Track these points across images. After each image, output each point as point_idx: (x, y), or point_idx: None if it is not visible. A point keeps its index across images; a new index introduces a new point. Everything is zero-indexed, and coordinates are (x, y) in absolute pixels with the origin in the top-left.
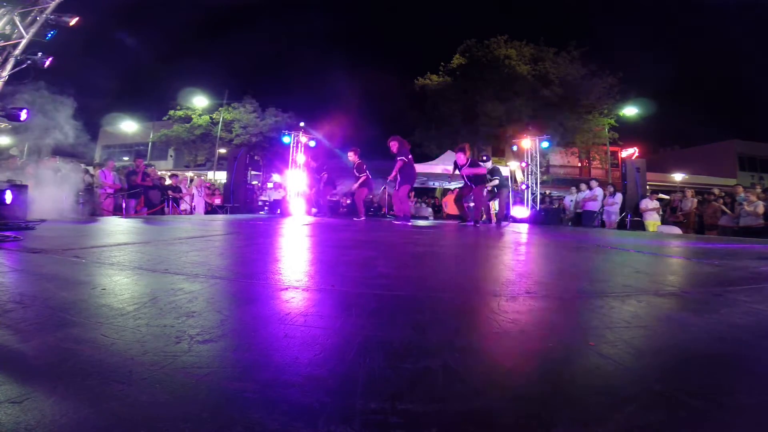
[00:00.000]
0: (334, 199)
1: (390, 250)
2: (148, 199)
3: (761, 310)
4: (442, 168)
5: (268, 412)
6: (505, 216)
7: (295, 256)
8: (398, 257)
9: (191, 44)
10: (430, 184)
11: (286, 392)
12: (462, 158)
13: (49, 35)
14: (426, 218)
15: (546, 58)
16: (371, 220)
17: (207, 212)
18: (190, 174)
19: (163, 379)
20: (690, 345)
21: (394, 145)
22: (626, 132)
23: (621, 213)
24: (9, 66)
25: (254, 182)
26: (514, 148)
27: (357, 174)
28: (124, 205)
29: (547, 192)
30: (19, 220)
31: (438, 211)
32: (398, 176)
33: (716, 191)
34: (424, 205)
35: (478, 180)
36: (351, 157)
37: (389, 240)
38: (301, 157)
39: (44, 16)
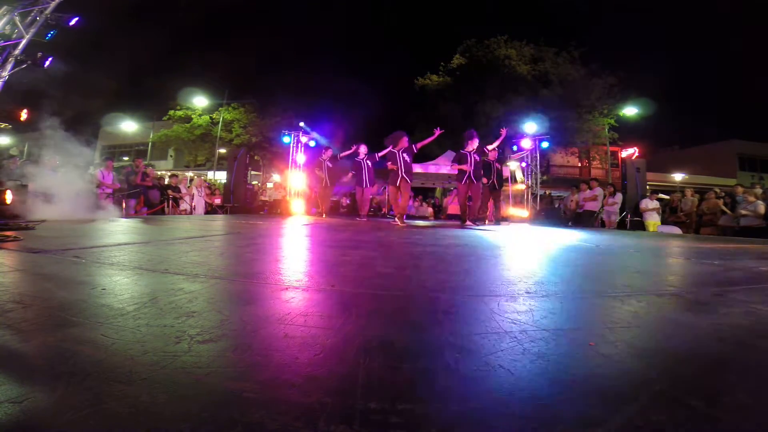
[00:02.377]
0: (334, 198)
1: (390, 250)
2: (148, 199)
3: (761, 310)
4: (441, 168)
5: (268, 412)
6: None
7: (295, 256)
8: (398, 257)
9: (191, 44)
10: (430, 184)
11: (286, 392)
12: (475, 142)
13: (49, 35)
14: (426, 218)
15: (546, 58)
16: (370, 220)
17: (207, 212)
18: (190, 174)
19: (163, 379)
20: (690, 345)
21: (405, 141)
22: (626, 132)
23: (621, 213)
24: (9, 66)
25: (254, 182)
26: (514, 148)
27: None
28: (123, 205)
29: (547, 192)
30: (19, 220)
31: (438, 211)
32: (408, 176)
33: (717, 191)
34: (424, 205)
35: (483, 168)
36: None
37: (389, 240)
38: (301, 157)
39: (44, 16)
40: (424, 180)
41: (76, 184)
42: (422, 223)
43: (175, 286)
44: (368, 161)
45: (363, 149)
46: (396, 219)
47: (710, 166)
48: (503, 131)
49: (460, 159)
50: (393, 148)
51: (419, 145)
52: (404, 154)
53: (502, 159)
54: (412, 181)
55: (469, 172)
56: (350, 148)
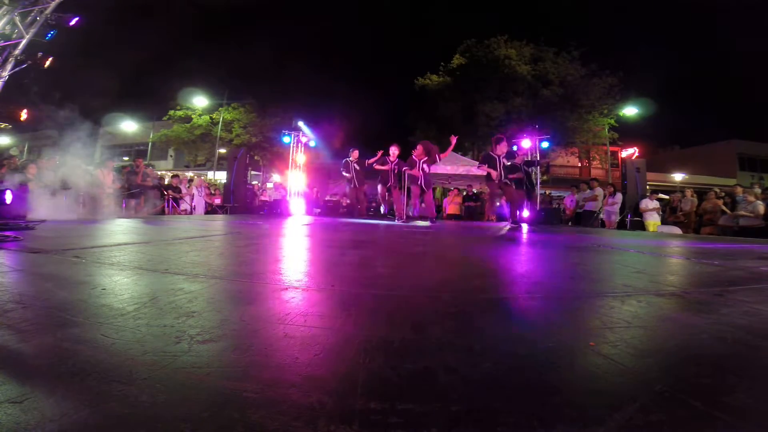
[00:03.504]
0: (335, 198)
1: (390, 250)
2: (148, 199)
3: (761, 310)
4: (442, 168)
5: (268, 412)
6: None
7: (294, 256)
8: (398, 257)
9: (191, 44)
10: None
11: (286, 392)
12: (503, 147)
13: (49, 35)
14: (426, 218)
15: (546, 58)
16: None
17: (207, 212)
18: (190, 174)
19: (163, 379)
20: (690, 345)
21: (419, 148)
22: (626, 132)
23: (621, 213)
24: (9, 66)
25: (254, 182)
26: (514, 147)
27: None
28: (124, 205)
29: (547, 192)
30: (19, 220)
31: (438, 212)
32: (426, 186)
33: (716, 191)
34: (423, 205)
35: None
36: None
37: (389, 240)
38: (301, 157)
39: (44, 16)
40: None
41: (75, 184)
42: (422, 223)
43: (175, 286)
44: (424, 164)
45: (393, 149)
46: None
47: (710, 166)
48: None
49: (488, 161)
50: (414, 157)
51: (442, 156)
52: (424, 165)
53: (530, 163)
54: (429, 189)
55: (498, 178)
56: (376, 155)
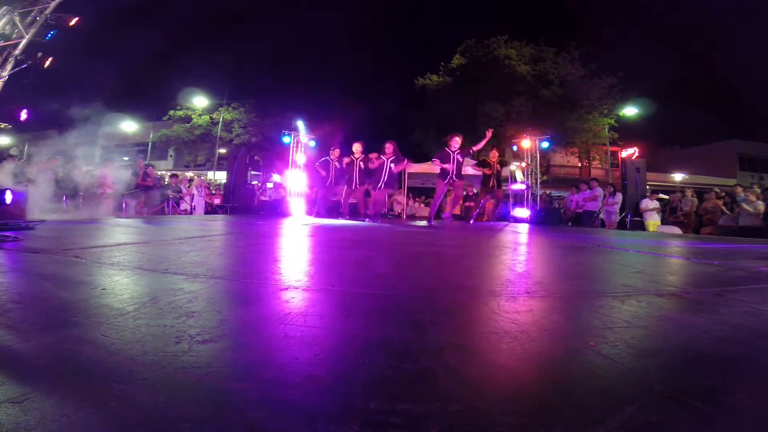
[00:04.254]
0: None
1: (389, 250)
2: (148, 199)
3: (761, 310)
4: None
5: (268, 412)
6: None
7: (294, 256)
8: (397, 257)
9: (192, 44)
10: (431, 184)
11: (286, 392)
12: (457, 142)
13: (49, 35)
14: (425, 218)
15: (546, 58)
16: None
17: (207, 212)
18: (190, 174)
19: (163, 379)
20: (690, 345)
21: (389, 147)
22: (626, 132)
23: (621, 213)
24: (9, 66)
25: (254, 182)
26: (514, 148)
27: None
28: (124, 205)
29: (547, 192)
30: (19, 220)
31: (438, 212)
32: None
33: (717, 191)
34: (423, 206)
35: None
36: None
37: (388, 240)
38: (300, 157)
39: (44, 16)
40: (423, 180)
41: (76, 184)
42: (422, 223)
43: (175, 286)
44: (392, 163)
45: (356, 146)
46: (373, 219)
47: (710, 166)
48: (488, 132)
49: (442, 158)
50: (381, 155)
51: (403, 165)
52: (392, 163)
53: (502, 161)
54: (393, 188)
55: (452, 172)
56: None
